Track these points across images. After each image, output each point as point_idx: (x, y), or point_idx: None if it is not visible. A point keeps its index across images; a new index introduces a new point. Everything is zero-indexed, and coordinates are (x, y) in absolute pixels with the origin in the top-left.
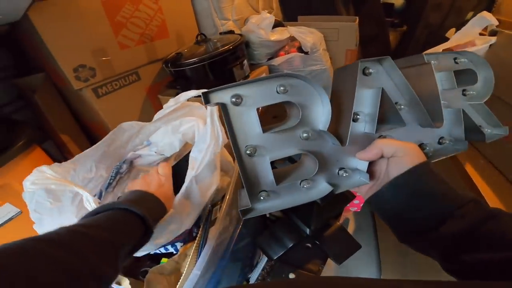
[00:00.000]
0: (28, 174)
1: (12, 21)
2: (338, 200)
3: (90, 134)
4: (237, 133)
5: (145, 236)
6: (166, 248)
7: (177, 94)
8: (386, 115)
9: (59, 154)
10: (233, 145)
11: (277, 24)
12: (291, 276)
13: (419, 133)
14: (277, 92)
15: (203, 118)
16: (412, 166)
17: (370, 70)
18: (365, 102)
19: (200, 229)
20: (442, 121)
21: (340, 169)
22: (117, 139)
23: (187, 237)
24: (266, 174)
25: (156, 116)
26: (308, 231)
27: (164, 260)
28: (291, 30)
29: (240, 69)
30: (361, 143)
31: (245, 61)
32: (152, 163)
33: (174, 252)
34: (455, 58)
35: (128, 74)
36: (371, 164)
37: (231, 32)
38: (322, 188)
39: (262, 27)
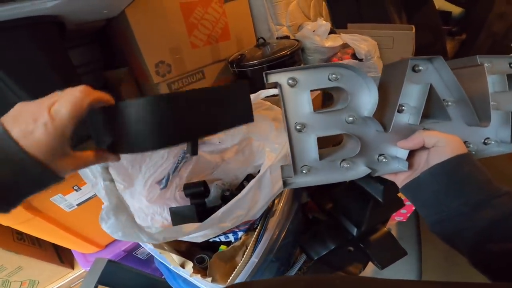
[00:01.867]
0: None
1: (111, 16)
2: (392, 204)
3: None
4: (289, 110)
5: None
6: (227, 236)
7: None
8: (432, 110)
9: None
10: (285, 120)
11: (329, 31)
12: None
13: (464, 131)
14: (329, 79)
15: (273, 117)
16: (453, 156)
17: (420, 68)
18: (411, 95)
19: (262, 218)
20: (489, 121)
21: (380, 155)
22: None
23: (250, 227)
24: (311, 150)
25: None
26: (355, 232)
27: (222, 247)
28: (345, 37)
29: None
30: (403, 133)
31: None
32: (214, 150)
33: (233, 241)
34: (510, 63)
35: (196, 72)
36: (411, 155)
37: (287, 37)
38: (360, 170)
39: (318, 33)
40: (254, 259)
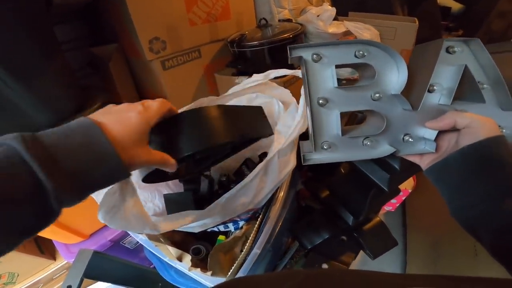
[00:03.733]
0: None
1: None
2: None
3: None
4: (312, 85)
5: (41, 212)
6: (226, 225)
7: (234, 74)
8: (464, 92)
9: None
10: (307, 95)
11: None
12: (324, 266)
13: (498, 115)
14: (355, 56)
15: (280, 98)
16: (487, 137)
17: (455, 49)
18: (443, 76)
19: (264, 207)
20: None
21: (405, 134)
22: None
23: (252, 216)
24: (333, 125)
25: (233, 89)
26: (351, 221)
27: (221, 237)
28: (348, 24)
29: None
30: (432, 114)
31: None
32: None
33: (233, 230)
34: None
35: (192, 50)
36: (438, 137)
37: (289, 20)
38: (384, 149)
39: (322, 18)
40: (256, 250)
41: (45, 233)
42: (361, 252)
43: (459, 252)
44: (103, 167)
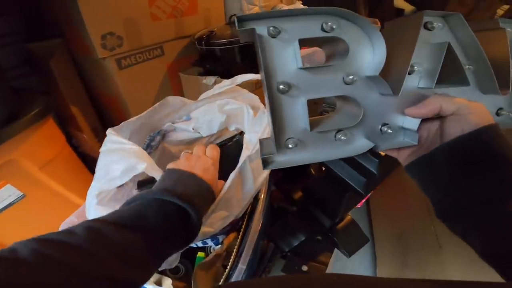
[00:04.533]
0: (39, 148)
1: None
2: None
3: (99, 108)
4: (270, 67)
5: (191, 231)
6: (205, 241)
7: (201, 73)
8: (445, 73)
9: (63, 127)
10: (264, 80)
11: None
12: (304, 268)
13: (478, 99)
14: (323, 29)
15: (251, 105)
16: (480, 126)
17: (434, 25)
18: (424, 56)
19: (245, 216)
20: (509, 89)
21: (383, 125)
22: (159, 112)
23: (232, 228)
24: (299, 117)
25: (203, 96)
26: (327, 224)
27: (200, 254)
28: None
29: None
30: (413, 99)
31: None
32: (183, 140)
33: (213, 246)
34: None
35: (154, 48)
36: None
37: None
38: (360, 144)
39: None
40: (242, 266)
41: None
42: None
43: (424, 245)
44: (209, 198)
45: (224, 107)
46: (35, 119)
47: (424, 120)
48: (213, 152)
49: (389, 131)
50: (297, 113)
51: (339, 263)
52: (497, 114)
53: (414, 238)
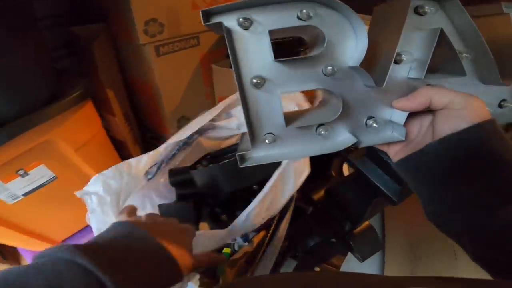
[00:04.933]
0: (77, 131)
1: None
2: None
3: (131, 93)
4: (242, 61)
5: None
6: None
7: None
8: (440, 63)
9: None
10: (236, 75)
11: None
12: (317, 269)
13: (476, 90)
14: (298, 18)
15: (295, 102)
16: (475, 123)
17: (426, 9)
18: (414, 43)
19: (277, 217)
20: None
21: (369, 118)
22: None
23: (262, 226)
24: (275, 113)
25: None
26: (347, 227)
27: (226, 250)
28: None
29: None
30: (402, 91)
31: (308, 50)
32: (220, 137)
33: (242, 243)
34: None
35: (191, 37)
36: (407, 120)
37: None
38: (342, 139)
39: None
40: (267, 262)
41: (7, 241)
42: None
43: (438, 255)
44: (168, 274)
45: None
46: (75, 101)
47: (417, 114)
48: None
49: (374, 125)
50: (273, 108)
51: (346, 265)
52: (500, 106)
53: (429, 248)
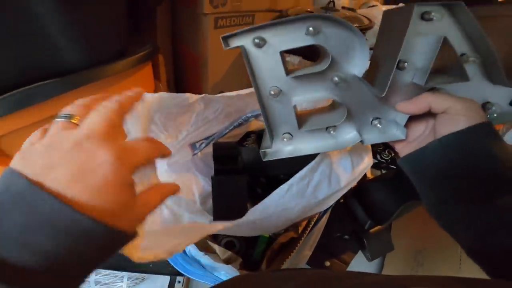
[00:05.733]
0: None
1: None
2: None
3: (177, 62)
4: (259, 76)
5: None
6: None
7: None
8: (443, 66)
9: None
10: (255, 88)
11: None
12: (327, 263)
13: (486, 90)
14: (306, 34)
15: None
16: (471, 124)
17: (432, 15)
18: (417, 50)
19: None
20: None
21: (375, 118)
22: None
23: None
24: (289, 117)
25: None
26: (367, 226)
27: (265, 235)
28: None
29: None
30: (405, 94)
31: (318, 61)
32: None
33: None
34: None
35: (248, 14)
36: (413, 118)
37: (352, 10)
38: (350, 137)
39: None
40: (307, 252)
41: None
42: None
43: (442, 264)
44: (91, 250)
45: None
46: (140, 60)
47: (422, 116)
48: (143, 151)
49: (379, 125)
50: (288, 113)
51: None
52: (511, 103)
53: (434, 255)
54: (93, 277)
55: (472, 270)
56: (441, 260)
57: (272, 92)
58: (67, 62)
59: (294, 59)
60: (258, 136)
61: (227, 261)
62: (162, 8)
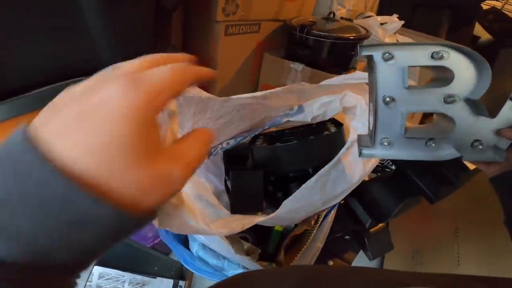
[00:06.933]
0: None
1: None
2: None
3: None
4: (380, 83)
5: None
6: None
7: (285, 57)
8: None
9: None
10: (372, 92)
11: None
12: (330, 263)
13: None
14: (432, 57)
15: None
16: None
17: None
18: None
19: None
20: None
21: (476, 140)
22: (276, 97)
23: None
24: (397, 124)
25: (325, 83)
26: (368, 224)
27: (278, 228)
28: (401, 39)
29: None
30: (509, 122)
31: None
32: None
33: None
34: None
35: (255, 23)
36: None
37: (350, 20)
38: (448, 152)
39: (386, 28)
40: (319, 244)
41: None
42: None
43: (440, 263)
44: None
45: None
46: None
47: None
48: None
49: (480, 147)
50: (396, 120)
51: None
52: None
53: (432, 255)
54: (95, 281)
55: (471, 268)
56: (439, 259)
57: (387, 100)
58: (101, 61)
59: (298, 66)
60: (270, 137)
61: (247, 252)
62: (177, 15)
